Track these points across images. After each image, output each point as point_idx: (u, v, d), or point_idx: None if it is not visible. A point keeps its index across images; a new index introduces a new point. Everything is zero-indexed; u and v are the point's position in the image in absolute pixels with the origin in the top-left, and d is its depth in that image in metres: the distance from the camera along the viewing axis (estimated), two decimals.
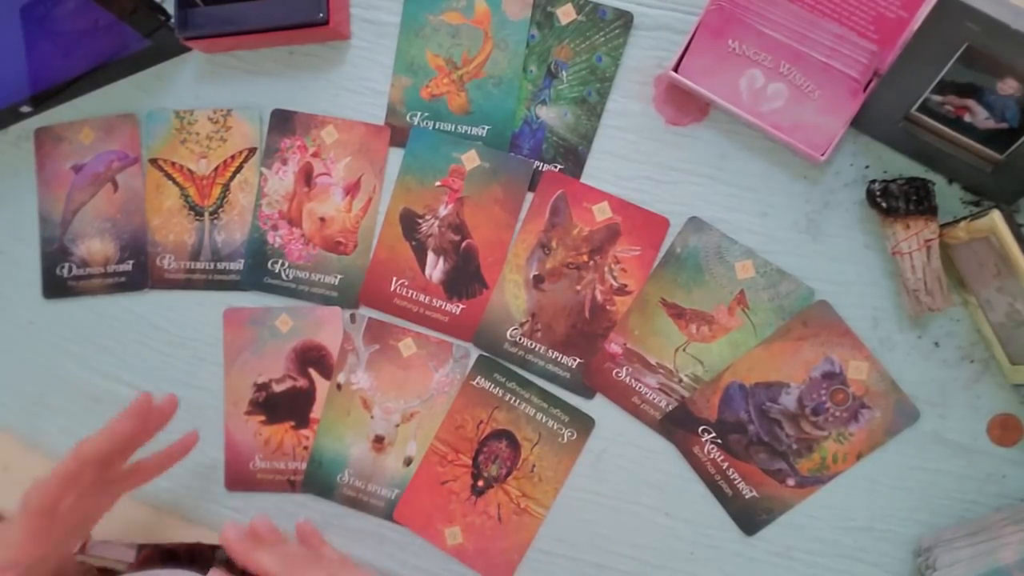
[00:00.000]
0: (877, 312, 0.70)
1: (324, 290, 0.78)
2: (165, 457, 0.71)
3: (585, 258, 0.74)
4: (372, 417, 0.77)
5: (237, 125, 0.79)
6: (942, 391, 0.70)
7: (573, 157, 0.74)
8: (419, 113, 0.77)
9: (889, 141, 0.70)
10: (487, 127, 0.76)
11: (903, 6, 0.63)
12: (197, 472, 0.79)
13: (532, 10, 0.74)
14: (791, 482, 0.71)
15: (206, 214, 0.80)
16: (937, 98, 0.63)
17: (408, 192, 0.76)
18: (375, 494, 0.76)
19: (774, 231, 0.72)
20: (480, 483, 0.75)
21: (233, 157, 0.79)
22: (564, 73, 0.74)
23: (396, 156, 0.77)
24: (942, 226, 0.67)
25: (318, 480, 0.77)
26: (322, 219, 0.78)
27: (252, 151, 0.79)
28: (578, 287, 0.74)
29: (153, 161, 0.80)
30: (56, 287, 0.82)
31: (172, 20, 0.76)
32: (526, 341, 0.74)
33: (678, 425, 0.72)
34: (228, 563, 0.93)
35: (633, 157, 0.74)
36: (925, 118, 0.65)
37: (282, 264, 0.78)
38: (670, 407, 0.73)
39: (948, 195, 0.69)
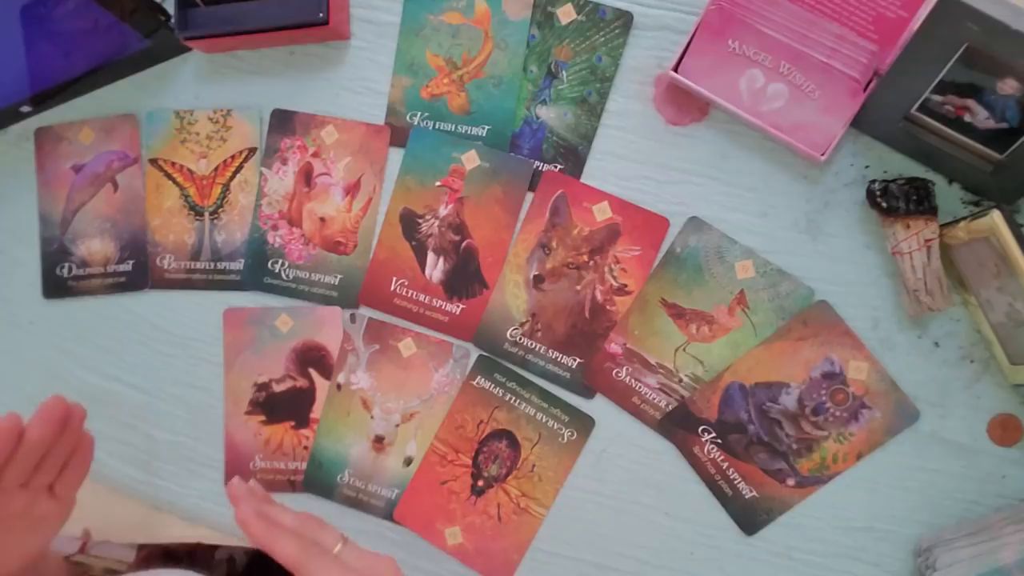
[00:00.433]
0: (877, 312, 0.70)
1: (324, 290, 0.78)
2: (75, 472, 0.64)
3: (585, 258, 0.74)
4: (372, 417, 0.77)
5: (237, 125, 0.79)
6: (942, 391, 0.70)
7: (573, 157, 0.74)
8: (419, 113, 0.77)
9: (889, 141, 0.70)
10: (487, 127, 0.76)
11: (903, 6, 0.63)
12: (197, 472, 0.79)
13: (532, 10, 0.74)
14: (791, 482, 0.71)
15: (206, 214, 0.80)
16: (937, 98, 0.63)
17: (408, 192, 0.76)
18: (375, 494, 0.76)
19: (774, 231, 0.72)
20: (480, 483, 0.75)
21: (233, 157, 0.79)
22: (564, 73, 0.74)
23: (396, 156, 0.77)
24: (942, 226, 0.67)
25: (318, 480, 0.77)
26: (322, 219, 0.78)
27: (252, 151, 0.79)
28: (578, 287, 0.74)
29: (153, 161, 0.80)
30: (56, 287, 0.82)
31: (172, 20, 0.76)
32: (526, 341, 0.74)
33: (678, 425, 0.72)
34: (229, 561, 0.93)
35: (633, 157, 0.74)
36: (925, 118, 0.65)
37: (282, 264, 0.78)
38: (670, 407, 0.73)
39: (948, 195, 0.69)
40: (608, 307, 0.73)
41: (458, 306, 0.76)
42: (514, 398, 0.75)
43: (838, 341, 0.70)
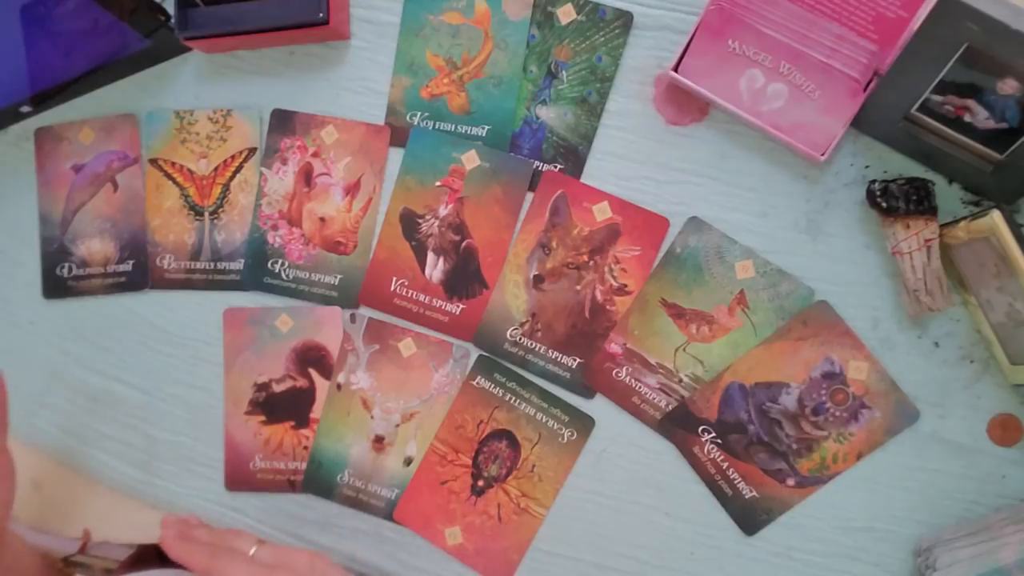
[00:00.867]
0: (877, 312, 0.70)
1: (324, 290, 0.78)
2: None
3: (585, 258, 0.74)
4: (372, 417, 0.77)
5: (237, 125, 0.79)
6: (942, 391, 0.70)
7: (573, 157, 0.74)
8: (419, 113, 0.77)
9: (889, 141, 0.70)
10: (487, 127, 0.76)
11: (903, 6, 0.63)
12: (197, 472, 0.79)
13: (532, 10, 0.74)
14: (791, 482, 0.71)
15: (206, 214, 0.80)
16: (937, 98, 0.63)
17: (408, 192, 0.77)
18: (375, 494, 0.76)
19: (774, 231, 0.72)
20: (480, 483, 0.75)
21: (233, 157, 0.79)
22: (564, 73, 0.74)
23: (396, 156, 0.77)
24: (942, 226, 0.67)
25: (318, 480, 0.77)
26: (322, 219, 0.78)
27: (252, 151, 0.79)
28: (578, 287, 0.74)
29: (153, 161, 0.80)
30: (56, 287, 0.82)
31: (172, 20, 0.76)
32: (526, 341, 0.74)
33: (678, 425, 0.73)
34: None
35: (633, 157, 0.74)
36: (925, 118, 0.65)
37: (282, 264, 0.78)
38: (670, 407, 0.73)
39: (948, 195, 0.69)
40: (608, 307, 0.73)
41: (458, 306, 0.76)
42: (514, 398, 0.75)
43: (838, 341, 0.70)
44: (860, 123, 0.69)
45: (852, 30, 0.66)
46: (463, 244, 0.76)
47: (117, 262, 0.81)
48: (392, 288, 0.76)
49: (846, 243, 0.71)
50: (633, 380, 0.73)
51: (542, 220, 0.74)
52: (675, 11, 0.73)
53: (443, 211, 0.76)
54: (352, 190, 0.77)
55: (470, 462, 0.75)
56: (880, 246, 0.70)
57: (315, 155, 0.78)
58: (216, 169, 0.80)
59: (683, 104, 0.73)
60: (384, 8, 0.77)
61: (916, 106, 0.64)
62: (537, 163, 0.75)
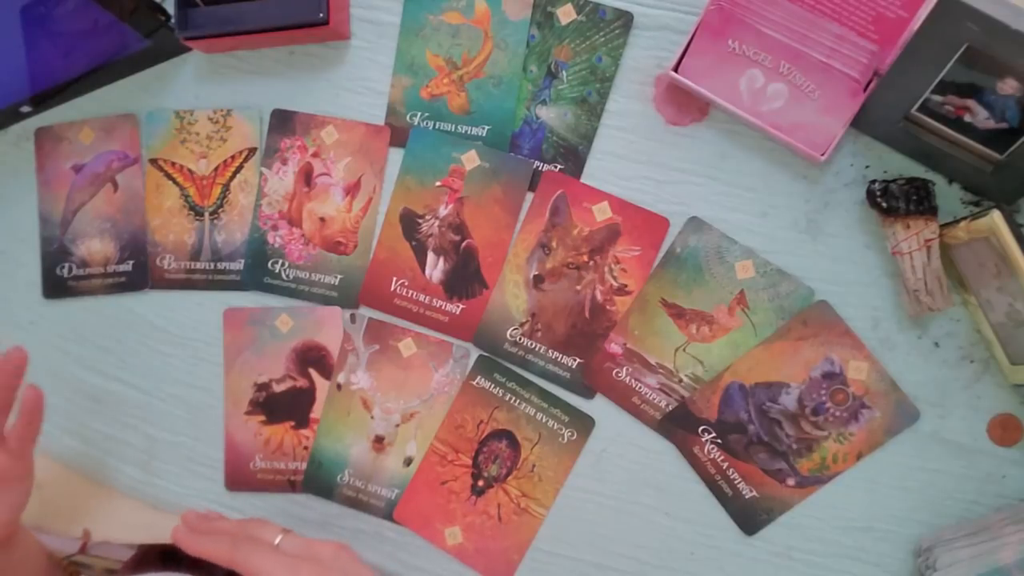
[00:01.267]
0: (877, 312, 0.70)
1: (324, 290, 0.78)
2: (24, 423, 0.65)
3: (585, 258, 0.74)
4: (372, 417, 0.77)
5: (237, 125, 0.79)
6: (942, 391, 0.70)
7: (573, 157, 0.74)
8: (419, 113, 0.77)
9: (889, 141, 0.70)
10: (487, 127, 0.76)
11: (903, 6, 0.63)
12: (197, 472, 0.79)
13: (532, 10, 0.74)
14: (791, 482, 0.71)
15: (206, 214, 0.80)
16: (937, 98, 0.63)
17: (408, 192, 0.77)
18: (375, 494, 0.76)
19: (774, 231, 0.72)
20: (480, 483, 0.75)
21: (233, 157, 0.79)
22: (564, 73, 0.74)
23: (396, 156, 0.77)
24: (942, 226, 0.67)
25: (318, 480, 0.77)
26: (322, 219, 0.78)
27: (252, 151, 0.79)
28: (578, 287, 0.74)
29: (153, 161, 0.80)
30: (56, 287, 0.82)
31: (172, 20, 0.76)
32: (526, 341, 0.74)
33: (678, 425, 0.73)
34: None
35: (633, 157, 0.74)
36: (925, 118, 0.65)
37: (282, 264, 0.78)
38: (670, 407, 0.73)
39: (948, 195, 0.69)
40: (608, 307, 0.73)
41: (458, 306, 0.76)
42: (514, 398, 0.75)
43: (838, 341, 0.70)
44: (860, 123, 0.69)
45: (852, 30, 0.66)
46: (463, 244, 0.76)
47: (117, 262, 0.81)
48: (392, 288, 0.76)
49: (846, 243, 0.71)
50: (633, 380, 0.73)
51: (542, 220, 0.74)
52: (675, 11, 0.73)
53: (443, 211, 0.76)
54: (352, 190, 0.77)
55: (470, 462, 0.75)
56: (880, 246, 0.70)
57: (315, 155, 0.78)
58: (216, 169, 0.80)
59: (683, 104, 0.73)
60: (384, 8, 0.77)
61: (916, 106, 0.64)
62: (537, 163, 0.75)
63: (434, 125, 0.76)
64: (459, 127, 0.76)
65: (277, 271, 0.78)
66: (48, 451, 0.81)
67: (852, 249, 0.71)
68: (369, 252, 0.77)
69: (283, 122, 0.78)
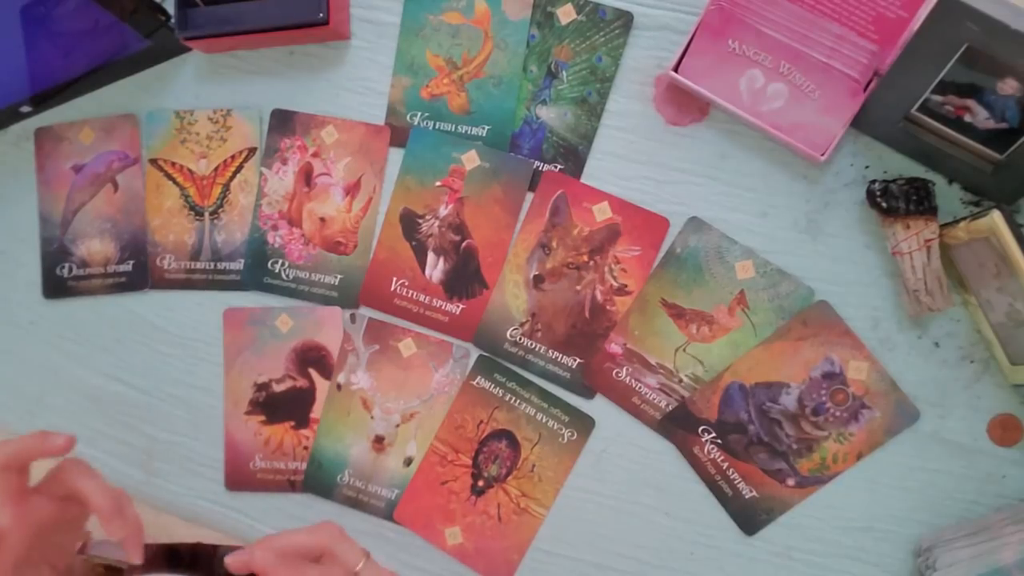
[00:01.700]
0: (877, 312, 0.70)
1: (324, 290, 0.78)
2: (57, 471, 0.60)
3: (585, 258, 0.74)
4: (372, 417, 0.77)
5: (237, 125, 0.79)
6: (942, 391, 0.70)
7: (573, 157, 0.74)
8: (419, 113, 0.77)
9: (889, 141, 0.70)
10: (487, 127, 0.76)
11: (903, 6, 0.63)
12: (197, 472, 0.79)
13: (532, 10, 0.74)
14: (791, 482, 0.71)
15: (206, 214, 0.80)
16: (937, 98, 0.63)
17: (408, 192, 0.77)
18: (375, 494, 0.76)
19: (774, 231, 0.72)
20: (480, 483, 0.75)
21: (233, 157, 0.79)
22: (564, 73, 0.74)
23: (396, 156, 0.77)
24: (942, 226, 0.67)
25: (318, 480, 0.77)
26: (322, 219, 0.78)
27: (252, 151, 0.79)
28: (578, 287, 0.74)
29: (153, 161, 0.80)
30: (56, 287, 0.82)
31: (172, 20, 0.76)
32: (526, 341, 0.74)
33: (678, 425, 0.72)
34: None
35: (633, 157, 0.74)
36: (925, 118, 0.65)
37: (282, 264, 0.78)
38: (670, 407, 0.73)
39: (948, 195, 0.69)
40: (608, 307, 0.73)
41: (458, 306, 0.76)
42: (514, 398, 0.75)
43: (838, 341, 0.70)
44: (860, 123, 0.69)
45: (852, 30, 0.66)
46: (463, 244, 0.76)
47: (117, 262, 0.81)
48: (392, 288, 0.76)
49: (846, 243, 0.71)
50: (633, 380, 0.73)
51: (542, 220, 0.74)
52: (675, 11, 0.73)
53: (443, 211, 0.76)
54: (352, 190, 0.77)
55: (470, 462, 0.75)
56: (880, 246, 0.70)
57: (315, 155, 0.78)
58: (216, 169, 0.80)
59: (683, 104, 0.73)
60: (384, 8, 0.77)
61: (916, 106, 0.64)
62: (537, 163, 0.75)
63: (434, 125, 0.76)
64: (459, 127, 0.76)
65: (277, 271, 0.78)
66: None
67: (852, 249, 0.71)
68: (369, 252, 0.77)
69: (283, 122, 0.78)
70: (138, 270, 0.80)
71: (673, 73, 0.70)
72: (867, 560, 0.71)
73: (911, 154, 0.69)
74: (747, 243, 0.72)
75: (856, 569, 0.71)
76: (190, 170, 0.80)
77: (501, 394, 0.75)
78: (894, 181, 0.67)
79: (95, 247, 0.81)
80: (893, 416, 0.70)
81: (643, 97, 0.74)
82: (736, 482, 0.72)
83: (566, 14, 0.74)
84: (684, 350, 0.72)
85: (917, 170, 0.70)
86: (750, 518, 0.72)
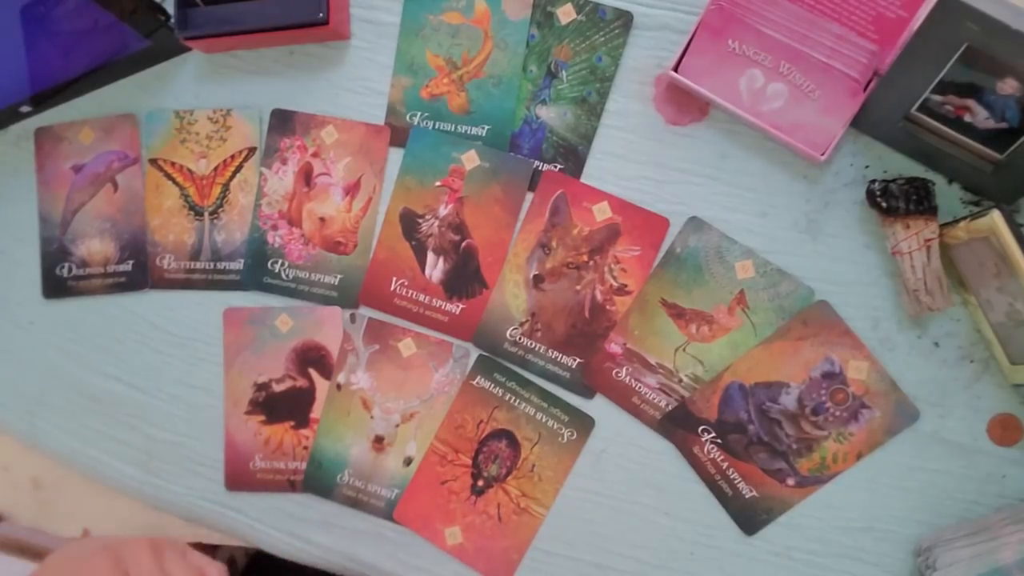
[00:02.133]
0: (877, 312, 0.70)
1: (324, 290, 0.78)
2: None
3: (585, 258, 0.74)
4: (372, 417, 0.77)
5: (237, 125, 0.79)
6: (942, 391, 0.70)
7: (573, 157, 0.74)
8: (419, 113, 0.77)
9: (889, 141, 0.70)
10: (487, 127, 0.76)
11: (903, 6, 0.63)
12: (197, 472, 0.79)
13: (532, 10, 0.74)
14: (791, 482, 0.71)
15: (206, 214, 0.80)
16: (937, 98, 0.63)
17: (408, 192, 0.77)
18: (375, 494, 0.76)
19: (774, 231, 0.72)
20: (480, 483, 0.75)
21: (233, 157, 0.79)
22: (564, 73, 0.74)
23: (396, 156, 0.77)
24: (942, 226, 0.67)
25: (318, 480, 0.77)
26: (322, 219, 0.78)
27: (252, 151, 0.79)
28: (578, 287, 0.74)
29: (153, 161, 0.80)
30: (56, 287, 0.82)
31: (172, 20, 0.76)
32: (526, 341, 0.74)
33: (678, 425, 0.73)
34: (230, 562, 0.93)
35: (633, 157, 0.74)
36: (925, 118, 0.65)
37: (282, 264, 0.78)
38: (670, 407, 0.73)
39: (948, 195, 0.69)
40: (608, 307, 0.73)
41: (458, 306, 0.76)
42: (514, 398, 0.75)
43: (838, 341, 0.70)
44: (860, 123, 0.69)
45: (852, 30, 0.66)
46: (463, 244, 0.76)
47: (117, 262, 0.81)
48: (392, 288, 0.76)
49: (846, 243, 0.71)
50: (633, 380, 0.73)
51: (542, 220, 0.74)
52: (675, 11, 0.73)
53: (443, 211, 0.76)
54: (352, 190, 0.77)
55: (470, 462, 0.75)
56: (880, 246, 0.70)
57: (315, 155, 0.78)
58: (216, 169, 0.80)
59: (683, 104, 0.73)
60: (384, 8, 0.77)
61: (916, 106, 0.64)
62: (537, 163, 0.75)
63: (434, 125, 0.76)
64: (459, 127, 0.76)
65: (277, 271, 0.78)
66: (48, 451, 0.81)
67: (852, 249, 0.71)
68: (369, 252, 0.77)
69: (283, 122, 0.78)
70: (138, 270, 0.80)
71: (673, 73, 0.70)
72: (867, 560, 0.71)
73: (911, 154, 0.69)
74: (747, 243, 0.72)
75: (856, 569, 0.71)
76: (190, 170, 0.80)
77: (501, 394, 0.75)
78: (894, 181, 0.67)
79: (95, 247, 0.81)
80: (893, 416, 0.70)
81: (643, 97, 0.74)
82: (736, 482, 0.72)
83: (566, 14, 0.74)
84: (684, 350, 0.72)
85: (917, 170, 0.70)
86: (750, 518, 0.72)
